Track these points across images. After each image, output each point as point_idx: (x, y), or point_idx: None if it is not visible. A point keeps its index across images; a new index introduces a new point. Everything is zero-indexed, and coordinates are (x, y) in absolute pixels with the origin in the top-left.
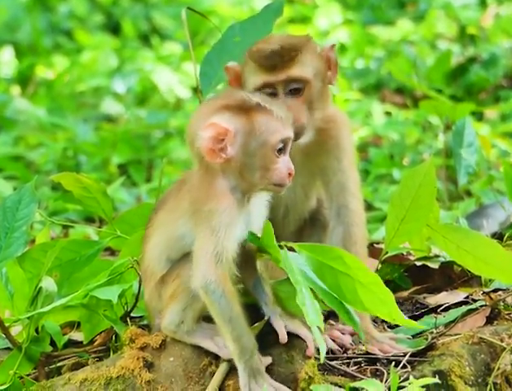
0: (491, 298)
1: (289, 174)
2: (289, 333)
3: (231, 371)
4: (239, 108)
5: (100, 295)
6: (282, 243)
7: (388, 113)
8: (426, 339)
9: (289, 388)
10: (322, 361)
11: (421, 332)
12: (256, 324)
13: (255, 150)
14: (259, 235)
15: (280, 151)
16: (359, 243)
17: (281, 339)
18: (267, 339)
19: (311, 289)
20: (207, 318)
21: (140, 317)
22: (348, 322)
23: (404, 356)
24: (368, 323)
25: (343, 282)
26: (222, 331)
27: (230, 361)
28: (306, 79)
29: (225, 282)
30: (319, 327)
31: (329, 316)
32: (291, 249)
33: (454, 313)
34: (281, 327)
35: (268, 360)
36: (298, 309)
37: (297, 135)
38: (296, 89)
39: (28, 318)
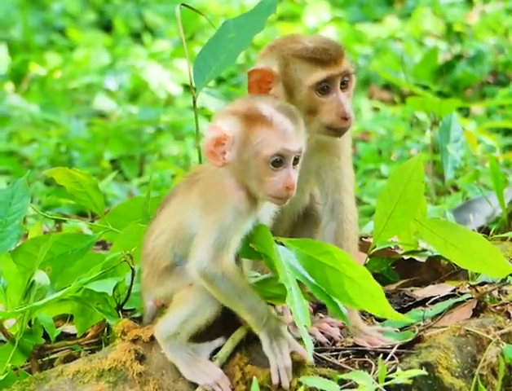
0: (477, 291)
1: (287, 188)
2: None
3: (236, 352)
4: (244, 116)
5: (95, 288)
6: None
7: (376, 109)
8: (414, 331)
9: None
10: (308, 361)
11: (408, 325)
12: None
13: (249, 160)
14: None
15: (277, 163)
16: (351, 240)
17: None
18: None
19: (299, 284)
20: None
21: (132, 310)
22: (337, 315)
23: (392, 348)
24: (356, 317)
25: (331, 276)
26: (233, 308)
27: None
28: (353, 74)
29: (223, 264)
30: (306, 326)
31: (318, 309)
32: (280, 244)
33: (441, 306)
34: None
35: (288, 319)
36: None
37: (345, 130)
38: (345, 83)
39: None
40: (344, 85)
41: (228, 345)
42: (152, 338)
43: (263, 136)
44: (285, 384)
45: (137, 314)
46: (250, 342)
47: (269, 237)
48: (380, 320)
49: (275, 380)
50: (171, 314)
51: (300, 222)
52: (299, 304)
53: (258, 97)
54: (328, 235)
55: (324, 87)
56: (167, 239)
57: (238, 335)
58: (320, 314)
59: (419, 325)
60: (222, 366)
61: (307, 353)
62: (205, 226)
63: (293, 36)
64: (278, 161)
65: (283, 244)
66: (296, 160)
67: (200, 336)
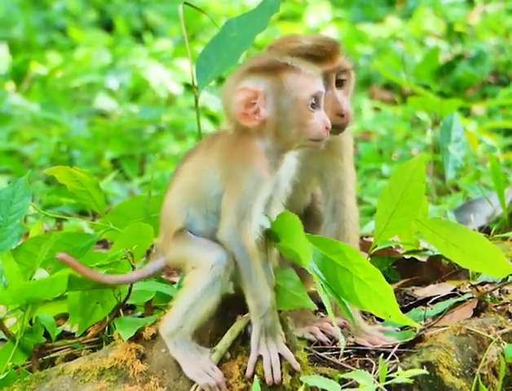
0: (478, 291)
1: (326, 128)
2: None
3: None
4: (266, 69)
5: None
6: None
7: (377, 109)
8: (415, 331)
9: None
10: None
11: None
12: (244, 316)
13: (288, 107)
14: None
15: (314, 105)
16: (352, 240)
17: None
18: None
19: None
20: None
21: (133, 308)
22: (345, 314)
23: (393, 348)
24: (357, 316)
25: (341, 276)
26: (243, 286)
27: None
28: (350, 70)
29: (247, 239)
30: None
31: (319, 308)
32: None
33: (442, 305)
34: None
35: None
36: (291, 303)
37: (343, 127)
38: (341, 80)
39: (22, 309)
40: (341, 83)
41: (227, 337)
42: (153, 336)
43: (297, 81)
44: (269, 379)
45: (138, 313)
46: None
47: (298, 226)
48: (381, 320)
49: (248, 373)
50: (174, 308)
51: (301, 223)
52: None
53: (262, 55)
54: (329, 235)
55: None
56: (183, 197)
57: (237, 327)
58: (321, 314)
59: (420, 324)
60: (223, 365)
61: (339, 337)
62: (230, 193)
63: (292, 36)
64: (314, 103)
65: None
66: None
67: (205, 341)
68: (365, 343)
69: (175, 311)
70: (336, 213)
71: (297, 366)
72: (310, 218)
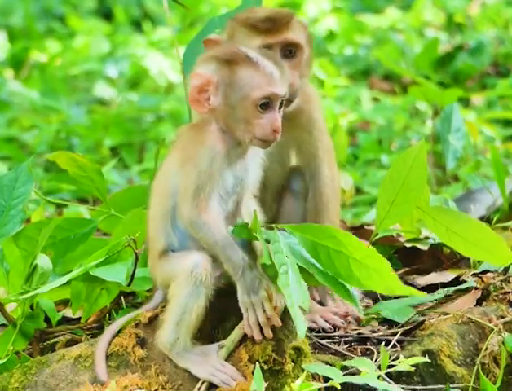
0: (483, 281)
1: (274, 131)
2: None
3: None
4: (226, 60)
5: (105, 275)
6: (273, 226)
7: (376, 99)
8: (417, 314)
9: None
10: (299, 338)
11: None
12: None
13: (236, 103)
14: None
15: (264, 106)
16: (332, 202)
17: None
18: None
19: (303, 270)
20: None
21: (134, 295)
22: (346, 299)
23: (394, 336)
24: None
25: (337, 259)
26: (214, 254)
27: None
28: (300, 43)
29: (205, 212)
30: (302, 308)
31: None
32: (283, 230)
33: (442, 291)
34: None
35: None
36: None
37: (291, 98)
38: (290, 52)
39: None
40: (291, 55)
41: (236, 333)
42: (151, 321)
43: (250, 78)
44: (258, 337)
45: (139, 300)
46: None
47: (255, 220)
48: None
49: (248, 333)
50: (166, 322)
51: (288, 195)
52: (297, 286)
53: (233, 43)
54: (310, 205)
55: None
56: (159, 219)
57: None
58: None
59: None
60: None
61: (298, 332)
62: (185, 173)
63: (252, 7)
64: (265, 104)
65: (285, 230)
66: (281, 105)
67: (206, 338)
68: (318, 319)
69: (167, 325)
70: (313, 183)
71: (278, 323)
72: (295, 191)
